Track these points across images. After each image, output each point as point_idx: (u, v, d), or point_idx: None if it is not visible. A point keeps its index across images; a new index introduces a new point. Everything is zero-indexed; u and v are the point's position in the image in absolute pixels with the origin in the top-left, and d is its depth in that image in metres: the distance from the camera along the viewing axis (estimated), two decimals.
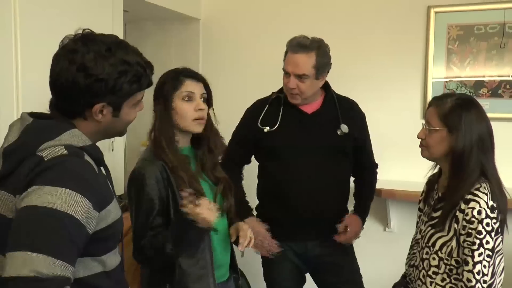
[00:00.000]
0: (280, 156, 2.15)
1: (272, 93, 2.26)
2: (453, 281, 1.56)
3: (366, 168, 2.33)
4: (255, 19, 3.15)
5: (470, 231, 1.50)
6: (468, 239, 1.50)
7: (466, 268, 1.50)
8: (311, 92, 2.13)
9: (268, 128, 2.15)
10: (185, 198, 1.56)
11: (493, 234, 1.49)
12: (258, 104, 2.26)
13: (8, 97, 1.95)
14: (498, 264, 1.54)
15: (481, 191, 1.53)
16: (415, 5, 2.80)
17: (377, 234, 2.95)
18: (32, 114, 1.23)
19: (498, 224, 1.52)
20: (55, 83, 1.19)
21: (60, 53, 1.20)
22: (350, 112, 2.23)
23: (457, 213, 1.54)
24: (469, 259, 1.49)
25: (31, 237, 1.04)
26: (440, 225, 1.59)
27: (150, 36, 3.36)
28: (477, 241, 1.48)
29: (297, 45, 2.09)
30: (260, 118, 2.18)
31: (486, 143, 1.59)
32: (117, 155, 2.56)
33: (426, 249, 1.63)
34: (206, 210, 1.53)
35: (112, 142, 2.48)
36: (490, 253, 1.49)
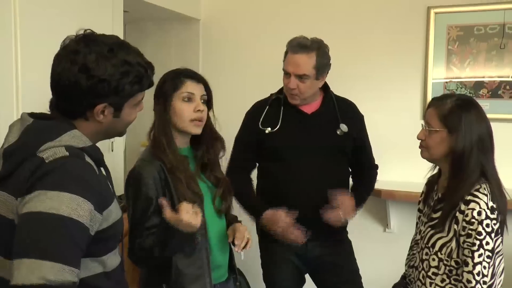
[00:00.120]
0: (281, 157, 2.15)
1: (271, 94, 2.26)
2: (452, 282, 1.56)
3: (366, 168, 2.33)
4: (255, 20, 3.15)
5: (470, 232, 1.50)
6: (468, 240, 1.50)
7: (466, 269, 1.50)
8: (311, 92, 2.13)
9: (269, 129, 2.16)
10: (164, 207, 1.56)
11: (493, 235, 1.49)
12: (258, 106, 2.26)
13: (8, 97, 1.95)
14: (498, 265, 1.54)
15: (481, 192, 1.53)
16: (415, 5, 2.80)
17: (377, 235, 2.95)
18: (32, 115, 1.23)
19: (498, 225, 1.52)
20: (56, 84, 1.19)
21: (61, 53, 1.20)
22: (349, 112, 2.24)
23: (457, 214, 1.54)
24: (469, 260, 1.49)
25: (38, 244, 1.05)
26: (440, 226, 1.59)
27: (150, 37, 3.36)
28: (477, 242, 1.48)
29: (298, 45, 2.09)
30: (261, 119, 2.18)
31: (486, 144, 1.59)
32: (117, 156, 2.56)
33: (426, 250, 1.63)
34: (187, 215, 1.52)
35: (112, 142, 2.48)
36: (490, 254, 1.49)
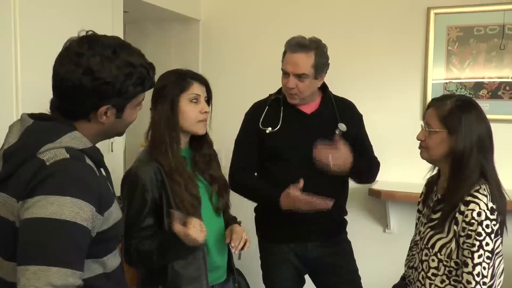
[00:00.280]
0: (281, 157, 2.15)
1: (270, 94, 2.26)
2: (452, 282, 1.56)
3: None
4: (255, 20, 3.15)
5: (469, 232, 1.50)
6: (468, 240, 1.50)
7: (465, 270, 1.50)
8: (310, 92, 2.14)
9: (270, 129, 2.16)
10: (175, 219, 1.58)
11: (492, 236, 1.49)
12: (257, 106, 2.26)
13: (7, 97, 1.95)
14: (497, 266, 1.54)
15: (480, 193, 1.53)
16: (415, 6, 2.80)
17: (377, 235, 2.95)
18: (32, 115, 1.23)
19: (497, 225, 1.52)
20: (59, 86, 1.19)
21: (64, 55, 1.19)
22: (348, 112, 2.24)
23: (457, 214, 1.54)
24: (469, 260, 1.49)
25: (42, 250, 1.06)
26: (439, 227, 1.59)
27: (150, 37, 3.36)
28: (477, 243, 1.48)
29: (296, 45, 2.09)
30: (261, 120, 2.18)
31: (485, 145, 1.59)
32: (117, 156, 2.56)
33: (426, 251, 1.63)
34: (196, 231, 1.56)
35: (112, 143, 2.48)
36: (490, 255, 1.49)
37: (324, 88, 2.24)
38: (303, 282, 2.35)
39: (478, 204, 1.51)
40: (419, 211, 1.82)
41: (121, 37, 2.38)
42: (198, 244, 1.59)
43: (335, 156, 1.99)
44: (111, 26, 2.41)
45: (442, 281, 1.58)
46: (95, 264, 1.22)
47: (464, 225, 1.52)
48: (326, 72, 2.17)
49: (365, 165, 2.21)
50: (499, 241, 1.53)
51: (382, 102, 2.88)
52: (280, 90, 2.23)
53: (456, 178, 1.58)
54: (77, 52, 1.17)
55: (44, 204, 1.07)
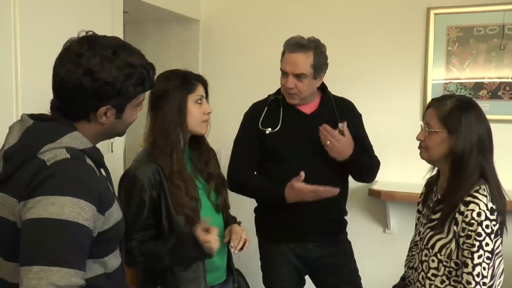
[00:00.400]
0: (281, 157, 2.15)
1: (269, 95, 2.26)
2: (452, 283, 1.56)
3: None
4: (255, 20, 3.15)
5: (469, 233, 1.50)
6: (468, 241, 1.50)
7: (465, 270, 1.50)
8: (309, 91, 2.14)
9: (270, 129, 2.16)
10: (200, 225, 1.66)
11: (492, 236, 1.49)
12: (257, 106, 2.26)
13: (7, 97, 1.94)
14: (497, 266, 1.54)
15: (480, 193, 1.53)
16: (415, 6, 2.80)
17: (377, 235, 2.95)
18: (32, 116, 1.23)
19: (497, 226, 1.52)
20: (59, 86, 1.19)
21: (64, 56, 1.19)
22: (347, 112, 2.24)
23: (457, 215, 1.54)
24: (469, 261, 1.49)
25: (44, 250, 1.06)
26: (439, 227, 1.59)
27: (150, 37, 3.36)
28: (477, 243, 1.48)
29: (295, 44, 2.09)
30: (261, 120, 2.18)
31: (485, 145, 1.59)
32: (117, 156, 2.56)
33: (425, 251, 1.63)
34: (215, 240, 1.64)
35: (112, 143, 2.48)
36: (490, 255, 1.49)
37: (323, 88, 2.24)
38: (303, 282, 2.34)
39: (478, 204, 1.51)
40: (418, 211, 1.82)
41: (121, 37, 2.38)
42: (212, 253, 1.65)
43: (338, 138, 2.01)
44: (111, 26, 2.41)
45: (442, 282, 1.58)
46: (96, 264, 1.22)
47: (464, 225, 1.52)
48: (325, 72, 2.17)
49: (366, 160, 2.21)
50: (499, 241, 1.53)
51: (382, 102, 2.88)
52: (279, 91, 2.23)
53: (456, 179, 1.58)
54: (77, 52, 1.17)
55: (45, 205, 1.07)
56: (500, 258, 1.56)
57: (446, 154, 1.61)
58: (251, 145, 2.19)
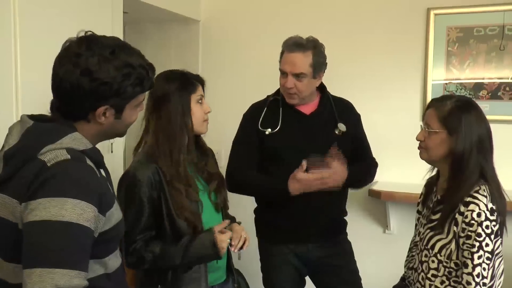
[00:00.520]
0: (281, 157, 2.15)
1: (268, 96, 2.26)
2: (452, 283, 1.56)
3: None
4: (255, 20, 3.15)
5: (469, 233, 1.50)
6: (468, 241, 1.50)
7: (465, 270, 1.50)
8: (309, 91, 2.14)
9: (269, 130, 2.16)
10: (220, 225, 1.73)
11: (492, 236, 1.49)
12: (256, 107, 2.26)
13: (7, 97, 1.94)
14: (497, 267, 1.54)
15: (480, 194, 1.53)
16: (415, 6, 2.80)
17: (377, 236, 2.95)
18: (32, 117, 1.23)
19: (497, 226, 1.52)
20: (58, 86, 1.19)
21: (63, 55, 1.20)
22: (346, 112, 2.24)
23: (457, 215, 1.54)
24: (469, 261, 1.49)
25: (47, 252, 1.06)
26: (439, 228, 1.59)
27: (150, 38, 3.36)
28: (477, 244, 1.48)
29: (294, 44, 2.10)
30: (260, 121, 2.18)
31: (485, 145, 1.59)
32: (117, 157, 2.55)
33: (425, 252, 1.63)
34: (226, 243, 1.69)
35: (112, 143, 2.48)
36: (490, 256, 1.49)
37: (322, 88, 2.24)
38: (303, 283, 2.34)
39: (478, 205, 1.51)
40: (418, 212, 1.82)
41: (121, 38, 2.38)
42: (222, 254, 1.69)
43: (327, 174, 2.00)
44: (110, 26, 2.41)
45: (442, 282, 1.58)
46: (97, 264, 1.22)
47: (464, 226, 1.52)
48: (324, 72, 2.17)
49: (360, 174, 2.22)
50: (499, 241, 1.53)
51: (382, 102, 2.88)
52: (278, 91, 2.23)
53: (456, 179, 1.58)
54: (76, 52, 1.17)
55: (47, 207, 1.08)
56: (500, 259, 1.56)
57: (446, 154, 1.61)
58: (251, 145, 2.19)
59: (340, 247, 2.26)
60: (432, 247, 1.60)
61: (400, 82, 2.86)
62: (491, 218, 1.50)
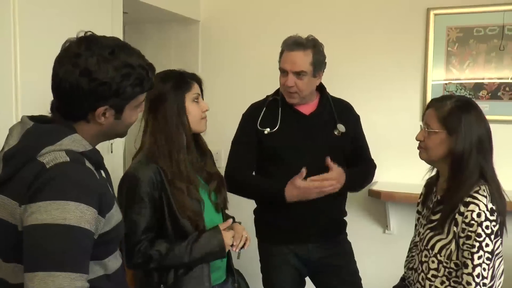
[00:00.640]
0: (280, 157, 2.15)
1: (267, 96, 2.26)
2: (452, 284, 1.56)
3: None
4: (255, 20, 3.15)
5: (469, 234, 1.50)
6: (468, 242, 1.50)
7: (465, 271, 1.50)
8: (309, 90, 2.14)
9: (268, 129, 2.16)
10: (224, 224, 1.76)
11: (492, 236, 1.49)
12: (255, 107, 2.26)
13: (7, 98, 1.94)
14: (497, 267, 1.54)
15: (480, 194, 1.53)
16: (415, 7, 2.80)
17: (377, 236, 2.95)
18: (32, 118, 1.23)
19: (497, 226, 1.52)
20: (58, 87, 1.19)
21: (62, 56, 1.19)
22: (346, 113, 2.25)
23: (457, 216, 1.54)
24: (469, 262, 1.49)
25: (49, 256, 1.06)
26: (439, 228, 1.59)
27: (150, 38, 3.36)
28: (477, 244, 1.48)
29: (293, 43, 2.10)
30: (259, 120, 2.18)
31: (485, 145, 1.59)
32: (116, 157, 2.55)
33: (425, 252, 1.63)
34: (230, 241, 1.72)
35: (112, 144, 2.48)
36: (490, 256, 1.49)
37: (321, 89, 2.24)
38: (303, 283, 2.34)
39: (477, 205, 1.51)
40: (418, 212, 1.82)
41: (121, 38, 2.38)
42: (227, 248, 1.72)
43: (327, 184, 2.03)
44: (110, 27, 2.41)
45: (442, 283, 1.58)
46: (96, 266, 1.22)
47: (463, 226, 1.52)
48: (323, 71, 2.17)
49: (359, 179, 2.24)
50: (499, 242, 1.53)
51: (382, 102, 2.88)
52: (277, 91, 2.23)
53: (456, 179, 1.58)
54: (75, 52, 1.17)
55: (47, 210, 1.08)
56: (500, 259, 1.56)
57: (446, 154, 1.61)
58: (250, 145, 2.19)
59: (340, 247, 2.26)
60: (432, 247, 1.60)
61: (400, 82, 2.86)
62: (491, 218, 1.50)
